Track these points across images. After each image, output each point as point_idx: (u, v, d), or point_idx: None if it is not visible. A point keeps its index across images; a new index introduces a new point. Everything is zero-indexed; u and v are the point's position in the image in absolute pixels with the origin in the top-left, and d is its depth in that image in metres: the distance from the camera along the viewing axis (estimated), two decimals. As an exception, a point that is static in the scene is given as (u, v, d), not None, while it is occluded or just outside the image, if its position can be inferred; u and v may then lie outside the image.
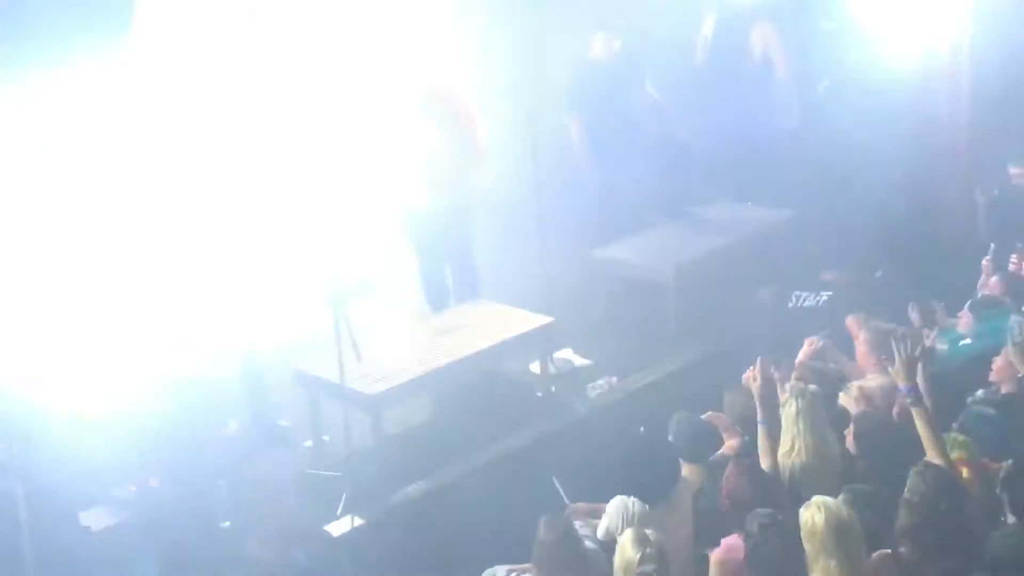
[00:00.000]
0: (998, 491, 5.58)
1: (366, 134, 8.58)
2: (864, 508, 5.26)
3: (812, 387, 6.33)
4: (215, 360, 7.54)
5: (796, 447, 6.06)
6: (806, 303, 8.30)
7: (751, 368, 7.02)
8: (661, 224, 9.89)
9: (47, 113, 6.76)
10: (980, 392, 6.66)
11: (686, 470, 6.26)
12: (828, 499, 5.15)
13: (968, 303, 7.39)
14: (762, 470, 5.96)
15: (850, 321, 7.66)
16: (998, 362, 6.66)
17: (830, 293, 8.31)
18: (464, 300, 8.75)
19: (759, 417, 6.12)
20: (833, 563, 4.98)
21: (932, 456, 5.66)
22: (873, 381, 6.88)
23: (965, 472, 5.76)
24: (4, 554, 5.92)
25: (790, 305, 8.45)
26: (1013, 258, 8.13)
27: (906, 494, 5.31)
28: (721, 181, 10.70)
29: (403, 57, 8.53)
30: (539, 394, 8.28)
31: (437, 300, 8.83)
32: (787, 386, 6.39)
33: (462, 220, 8.75)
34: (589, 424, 7.95)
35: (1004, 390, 6.58)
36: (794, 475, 5.98)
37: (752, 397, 6.46)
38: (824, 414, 6.24)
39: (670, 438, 6.33)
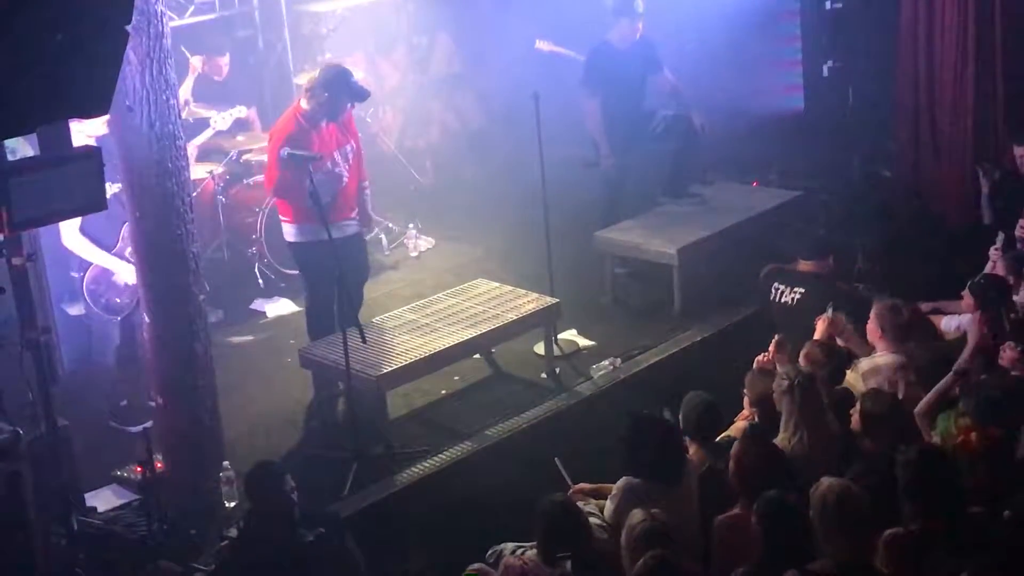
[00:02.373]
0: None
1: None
2: (872, 488, 5.28)
3: (806, 370, 6.36)
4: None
5: (797, 432, 6.08)
6: (783, 299, 8.04)
7: (764, 354, 7.07)
8: (666, 205, 9.88)
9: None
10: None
11: (692, 449, 6.28)
12: (838, 479, 5.18)
13: (969, 283, 7.36)
14: (773, 448, 5.98)
15: (822, 323, 7.45)
16: (1005, 350, 6.65)
17: (803, 291, 7.95)
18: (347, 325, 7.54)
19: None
20: (842, 543, 5.00)
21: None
22: (881, 358, 6.89)
23: (973, 438, 5.76)
24: (11, 536, 5.93)
25: (771, 298, 8.17)
26: (1022, 223, 8.09)
27: (899, 478, 5.34)
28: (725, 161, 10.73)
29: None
30: (543, 375, 8.29)
31: (323, 330, 8.02)
32: (782, 371, 6.40)
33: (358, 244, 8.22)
34: (593, 405, 7.96)
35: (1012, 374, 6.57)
36: (795, 458, 6.00)
37: (770, 379, 6.48)
38: (822, 396, 6.26)
39: (680, 416, 6.36)
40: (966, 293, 7.29)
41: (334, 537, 5.77)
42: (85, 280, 7.80)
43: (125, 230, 7.44)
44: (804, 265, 8.14)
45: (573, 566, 5.40)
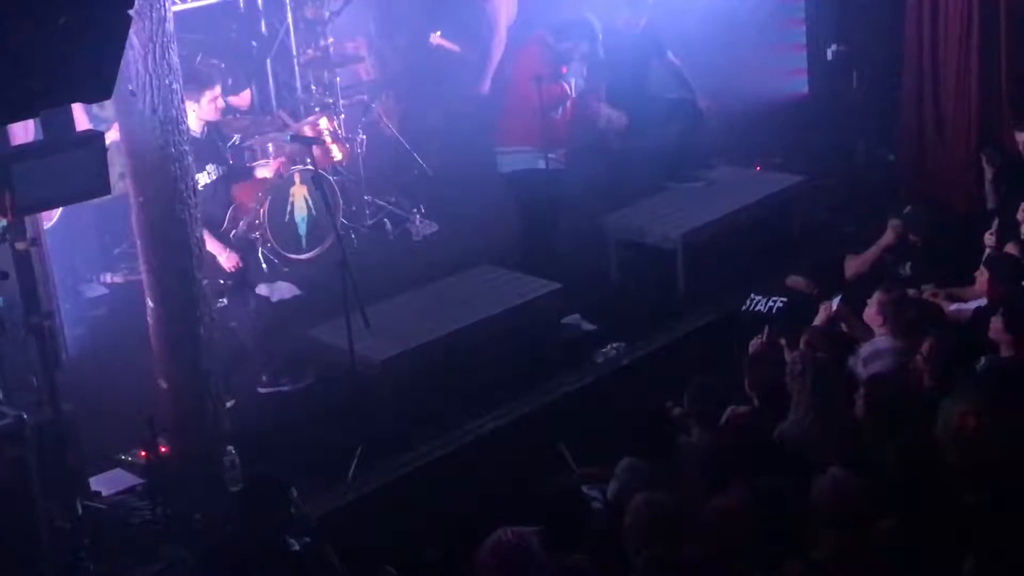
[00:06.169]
0: None
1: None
2: (871, 477, 5.28)
3: (820, 355, 6.35)
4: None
5: (806, 415, 6.07)
6: (757, 307, 7.99)
7: (758, 337, 7.07)
8: (670, 189, 9.88)
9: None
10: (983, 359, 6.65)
11: (696, 433, 6.29)
12: (837, 469, 5.17)
13: (984, 258, 7.32)
14: (759, 429, 5.99)
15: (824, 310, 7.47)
16: (995, 322, 6.64)
17: (784, 300, 7.91)
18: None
19: None
20: (841, 532, 5.00)
21: None
22: (882, 342, 6.89)
23: (972, 421, 5.76)
24: (17, 522, 5.95)
25: (743, 308, 8.14)
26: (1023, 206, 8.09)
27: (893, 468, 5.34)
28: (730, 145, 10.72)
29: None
30: (547, 360, 8.28)
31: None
32: (795, 355, 6.40)
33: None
34: (596, 390, 7.96)
35: (1003, 352, 6.56)
36: (803, 443, 5.99)
37: (771, 365, 6.48)
38: (833, 382, 6.25)
39: (685, 399, 6.37)
40: (981, 271, 7.27)
41: (317, 543, 5.74)
42: None
43: (232, 211, 7.86)
44: (792, 280, 8.21)
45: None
